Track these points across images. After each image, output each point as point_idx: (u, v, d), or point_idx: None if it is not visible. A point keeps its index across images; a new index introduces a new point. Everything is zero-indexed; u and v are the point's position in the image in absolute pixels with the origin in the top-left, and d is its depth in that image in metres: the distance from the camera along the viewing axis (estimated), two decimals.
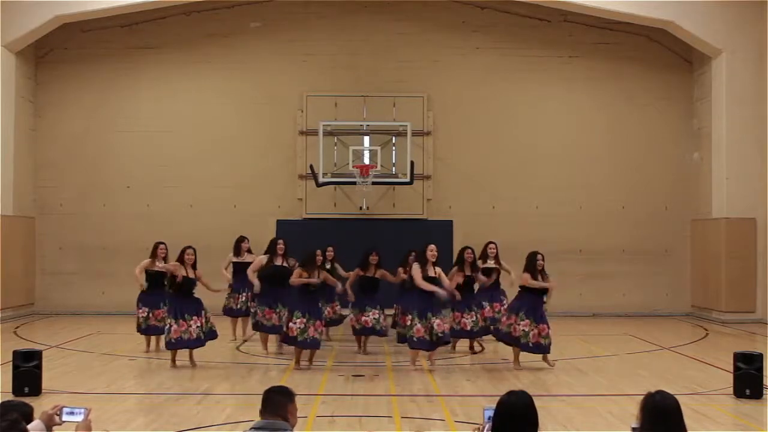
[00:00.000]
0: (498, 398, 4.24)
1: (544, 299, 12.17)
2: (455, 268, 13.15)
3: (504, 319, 12.29)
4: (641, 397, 4.36)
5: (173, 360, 12.10)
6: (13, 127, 18.83)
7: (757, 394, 9.75)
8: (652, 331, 17.02)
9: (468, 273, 13.21)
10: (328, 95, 20.08)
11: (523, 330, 11.90)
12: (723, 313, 18.64)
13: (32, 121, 20.09)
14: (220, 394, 10.20)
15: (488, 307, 13.78)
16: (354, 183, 18.91)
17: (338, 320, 14.97)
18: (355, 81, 20.12)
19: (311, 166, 19.32)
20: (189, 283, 12.16)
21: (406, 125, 19.31)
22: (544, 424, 4.78)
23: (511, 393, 4.23)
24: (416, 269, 11.79)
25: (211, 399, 9.88)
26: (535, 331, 11.87)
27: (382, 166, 19.28)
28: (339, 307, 14.71)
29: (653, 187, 20.44)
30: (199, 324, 12.02)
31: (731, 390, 9.98)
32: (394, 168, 19.61)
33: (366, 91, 20.06)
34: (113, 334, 15.98)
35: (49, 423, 4.61)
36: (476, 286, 13.67)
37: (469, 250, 13.44)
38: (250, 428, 4.53)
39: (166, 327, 12.06)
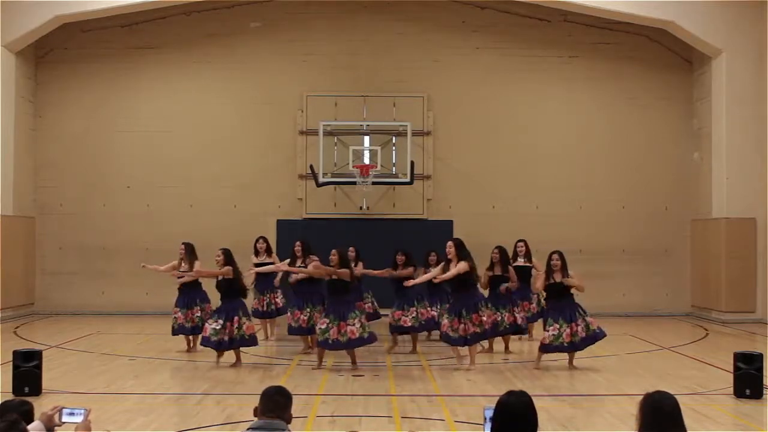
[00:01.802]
0: (498, 398, 4.24)
1: (572, 295, 12.08)
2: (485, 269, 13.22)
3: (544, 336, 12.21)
4: (641, 397, 4.36)
5: (216, 359, 12.28)
6: (13, 127, 18.82)
7: (757, 394, 9.75)
8: (652, 331, 17.01)
9: (498, 273, 13.29)
10: (328, 95, 20.08)
11: (553, 335, 11.84)
12: (723, 313, 18.63)
13: (32, 121, 20.09)
14: (220, 394, 10.20)
15: (518, 306, 13.95)
16: (354, 183, 18.91)
17: (372, 316, 14.91)
18: (355, 81, 20.12)
19: (311, 166, 19.32)
20: (221, 285, 12.27)
21: (406, 125, 19.31)
22: (544, 424, 4.79)
23: (510, 393, 4.23)
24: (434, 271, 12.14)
25: (211, 399, 9.88)
26: (568, 330, 11.82)
27: (382, 166, 19.28)
28: (370, 304, 14.76)
29: (653, 187, 20.44)
30: (221, 328, 12.02)
31: (731, 390, 9.97)
32: (394, 168, 19.61)
33: (366, 91, 20.06)
34: (113, 334, 15.99)
35: (49, 424, 4.61)
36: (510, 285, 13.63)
37: (496, 250, 13.44)
38: (248, 428, 4.53)
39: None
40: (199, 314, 13.50)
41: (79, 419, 4.68)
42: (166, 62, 20.40)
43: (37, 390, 9.58)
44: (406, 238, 17.57)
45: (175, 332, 13.73)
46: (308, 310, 13.20)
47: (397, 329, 13.69)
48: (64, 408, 4.71)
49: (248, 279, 13.43)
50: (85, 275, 20.04)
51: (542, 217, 20.09)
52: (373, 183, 18.90)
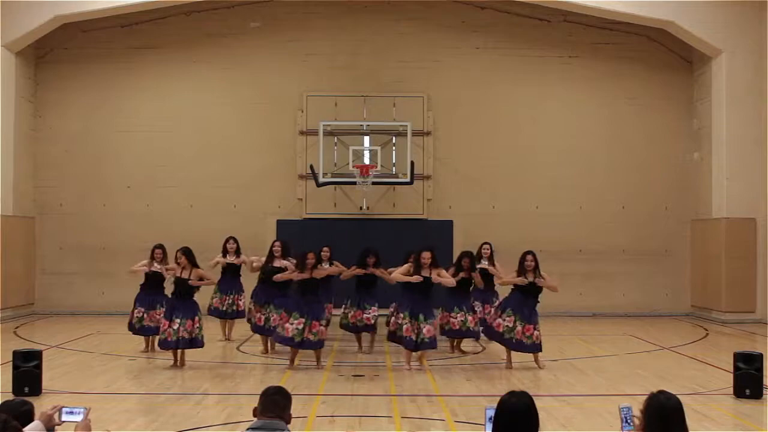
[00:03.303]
0: (498, 398, 4.24)
1: (538, 299, 12.14)
2: (452, 270, 13.11)
3: (491, 315, 12.48)
4: (641, 397, 4.36)
5: (173, 360, 12.14)
6: (13, 127, 18.82)
7: (757, 394, 9.75)
8: (652, 331, 17.01)
9: (466, 276, 13.17)
10: (328, 95, 20.08)
11: (507, 326, 11.90)
12: (723, 313, 18.63)
13: (32, 121, 20.09)
14: (220, 394, 10.20)
15: (480, 310, 13.91)
16: (354, 183, 18.91)
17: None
18: (355, 81, 20.11)
19: (311, 166, 19.32)
20: (180, 284, 12.14)
21: (406, 125, 19.31)
22: (544, 424, 4.78)
23: (511, 394, 4.23)
24: (399, 269, 12.04)
25: (211, 399, 9.89)
26: (520, 328, 11.85)
27: (382, 166, 19.28)
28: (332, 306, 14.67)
29: (653, 187, 20.44)
30: (180, 327, 11.87)
31: (731, 390, 9.98)
32: (394, 168, 19.61)
33: (366, 91, 20.06)
34: (113, 334, 15.96)
35: (48, 424, 4.60)
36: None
37: (467, 259, 13.39)
38: (248, 428, 4.53)
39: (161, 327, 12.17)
40: (161, 315, 13.39)
41: (78, 418, 4.67)
42: (166, 62, 20.40)
43: (37, 390, 9.57)
44: (406, 238, 17.57)
45: (138, 332, 13.54)
46: (267, 310, 13.16)
47: (352, 328, 13.62)
48: (63, 407, 4.70)
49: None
50: (85, 275, 20.03)
51: (542, 217, 20.10)
52: (373, 183, 18.90)
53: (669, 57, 20.50)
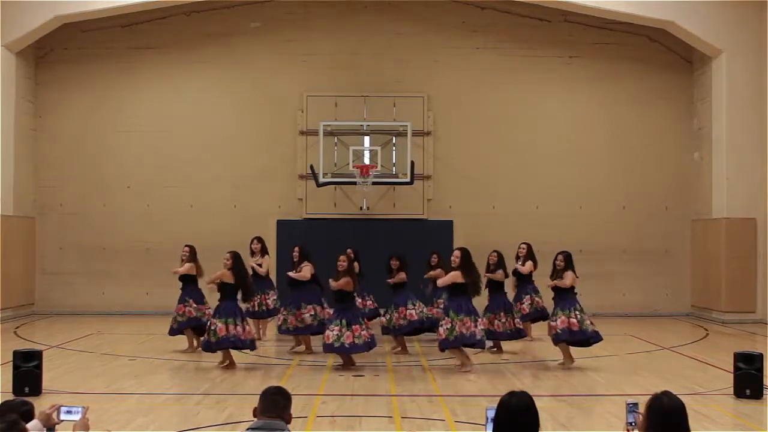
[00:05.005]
0: (499, 398, 4.23)
1: (575, 291, 12.17)
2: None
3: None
4: (641, 398, 4.36)
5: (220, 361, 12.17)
6: (13, 127, 18.82)
7: (757, 394, 9.76)
8: (652, 331, 17.02)
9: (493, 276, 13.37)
10: (328, 95, 20.07)
11: (562, 328, 11.92)
12: (723, 313, 18.63)
13: (32, 121, 20.08)
14: (220, 394, 10.20)
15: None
16: (354, 183, 18.90)
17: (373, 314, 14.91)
18: (355, 81, 20.10)
19: (311, 166, 19.31)
20: (223, 287, 12.11)
21: (406, 125, 19.30)
22: (544, 424, 4.78)
23: (512, 394, 4.23)
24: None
25: (211, 399, 9.88)
26: (564, 318, 11.87)
27: (382, 166, 19.27)
28: (371, 302, 14.93)
29: (653, 187, 20.44)
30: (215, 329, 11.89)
31: (731, 390, 9.98)
32: (394, 168, 19.61)
33: (366, 91, 20.05)
34: (113, 334, 15.98)
35: (47, 423, 4.60)
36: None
37: (494, 254, 13.48)
38: (248, 428, 4.53)
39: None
40: (203, 314, 13.44)
41: (77, 417, 4.67)
42: (166, 62, 20.39)
43: (37, 390, 9.57)
44: (406, 239, 17.59)
45: (174, 332, 13.63)
46: (306, 308, 13.26)
47: (394, 331, 13.64)
48: (61, 406, 4.70)
49: None
50: (85, 275, 20.02)
51: (542, 217, 20.09)
52: (373, 183, 18.89)
53: (669, 57, 20.50)
